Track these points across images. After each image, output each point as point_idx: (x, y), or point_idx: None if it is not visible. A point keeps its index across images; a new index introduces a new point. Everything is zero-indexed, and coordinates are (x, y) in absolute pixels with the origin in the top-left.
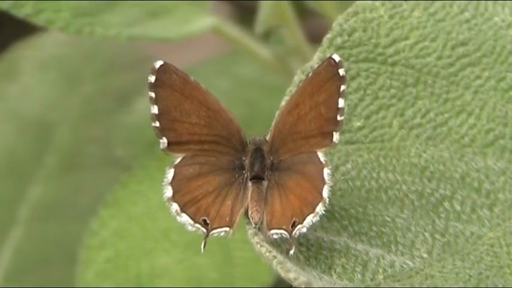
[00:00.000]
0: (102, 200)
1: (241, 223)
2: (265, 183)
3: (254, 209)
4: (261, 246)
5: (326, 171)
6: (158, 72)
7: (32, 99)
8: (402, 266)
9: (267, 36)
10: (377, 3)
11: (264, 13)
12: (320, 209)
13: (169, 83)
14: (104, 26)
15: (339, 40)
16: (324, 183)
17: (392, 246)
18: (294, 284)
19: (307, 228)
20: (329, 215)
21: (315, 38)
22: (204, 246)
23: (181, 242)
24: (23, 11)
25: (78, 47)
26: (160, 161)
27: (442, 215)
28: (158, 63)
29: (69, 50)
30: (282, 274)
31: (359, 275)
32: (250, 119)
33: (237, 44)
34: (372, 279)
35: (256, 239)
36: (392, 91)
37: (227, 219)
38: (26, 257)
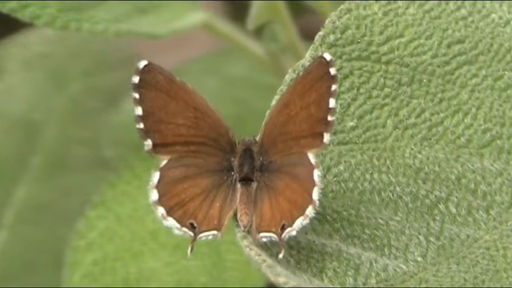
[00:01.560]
0: (90, 201)
1: (231, 225)
2: (254, 184)
3: (243, 211)
4: (250, 249)
5: (316, 173)
6: (142, 72)
7: (18, 98)
8: (396, 270)
9: (259, 33)
10: None
11: (257, 9)
12: (310, 211)
13: (154, 84)
14: (91, 21)
15: (331, 38)
16: (314, 185)
17: (386, 250)
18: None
19: (297, 231)
20: (320, 217)
21: (309, 35)
22: (192, 250)
23: (170, 244)
24: (8, 6)
25: (65, 44)
26: (148, 161)
27: (437, 218)
28: (142, 63)
29: (56, 48)
30: (272, 278)
31: (351, 279)
32: (242, 119)
33: (228, 41)
34: (364, 284)
35: (245, 242)
36: (386, 90)
37: (215, 222)
38: (11, 260)
